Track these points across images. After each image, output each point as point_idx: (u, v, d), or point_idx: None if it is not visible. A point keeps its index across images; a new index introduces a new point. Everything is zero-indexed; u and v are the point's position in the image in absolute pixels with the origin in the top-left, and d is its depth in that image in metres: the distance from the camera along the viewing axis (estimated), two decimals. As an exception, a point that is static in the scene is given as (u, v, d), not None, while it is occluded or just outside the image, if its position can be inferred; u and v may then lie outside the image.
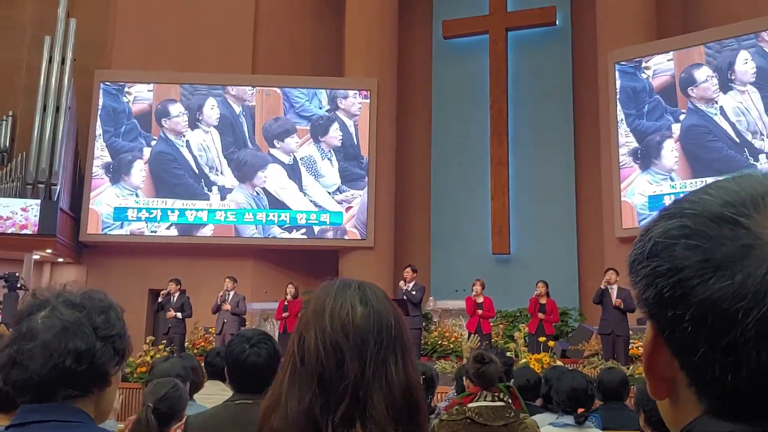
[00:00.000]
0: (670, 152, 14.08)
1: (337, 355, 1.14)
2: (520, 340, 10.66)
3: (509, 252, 15.55)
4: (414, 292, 11.20)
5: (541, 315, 10.95)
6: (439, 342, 12.03)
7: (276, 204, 15.33)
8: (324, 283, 1.25)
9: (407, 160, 16.54)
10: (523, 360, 9.46)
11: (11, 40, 16.13)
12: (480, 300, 11.14)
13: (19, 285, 11.24)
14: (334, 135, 15.70)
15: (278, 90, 15.82)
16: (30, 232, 14.41)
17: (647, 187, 14.19)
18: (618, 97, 14.66)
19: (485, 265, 15.03)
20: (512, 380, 4.16)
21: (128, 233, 15.21)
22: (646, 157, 14.27)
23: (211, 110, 15.71)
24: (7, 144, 15.85)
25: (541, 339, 10.49)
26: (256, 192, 15.40)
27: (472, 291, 11.29)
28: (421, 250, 15.90)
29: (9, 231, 14.39)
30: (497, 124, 15.94)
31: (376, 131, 15.64)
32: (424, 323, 12.32)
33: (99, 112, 15.57)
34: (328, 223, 15.37)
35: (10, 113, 15.97)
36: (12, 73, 16.00)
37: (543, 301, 11.08)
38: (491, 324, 11.45)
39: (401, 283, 11.44)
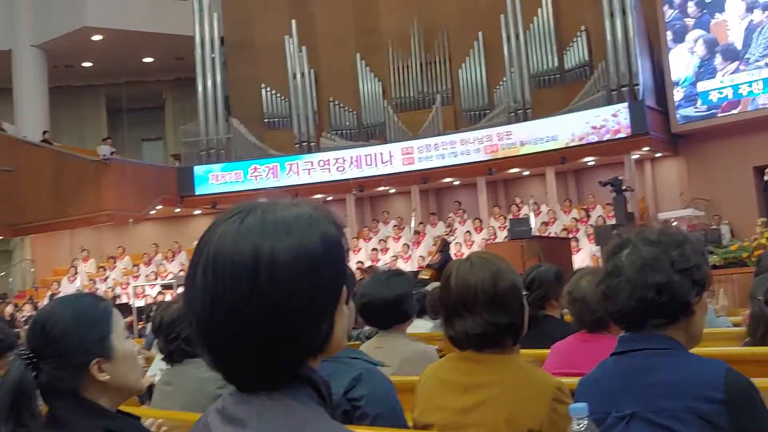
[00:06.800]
0: None
1: None
2: None
3: None
4: None
5: None
6: None
7: None
8: None
9: None
10: None
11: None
12: None
13: (624, 188, 11.94)
14: None
15: None
16: (624, 135, 15.15)
17: None
18: None
19: None
20: None
21: (722, 114, 14.78)
22: None
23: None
24: (586, 57, 16.83)
25: None
26: None
27: None
28: None
29: (605, 138, 15.36)
30: None
31: None
32: None
33: (664, 1, 15.42)
34: None
35: (583, 28, 16.87)
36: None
37: None
38: None
39: None
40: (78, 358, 1.55)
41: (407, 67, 18.49)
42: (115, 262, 17.53)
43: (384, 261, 15.43)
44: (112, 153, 17.85)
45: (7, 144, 17.71)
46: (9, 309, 14.23)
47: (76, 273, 16.89)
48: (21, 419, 1.45)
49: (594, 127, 15.46)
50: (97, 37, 19.72)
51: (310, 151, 18.04)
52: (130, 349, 1.64)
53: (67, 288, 15.86)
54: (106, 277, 16.92)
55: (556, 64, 17.13)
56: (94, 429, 1.52)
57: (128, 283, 16.43)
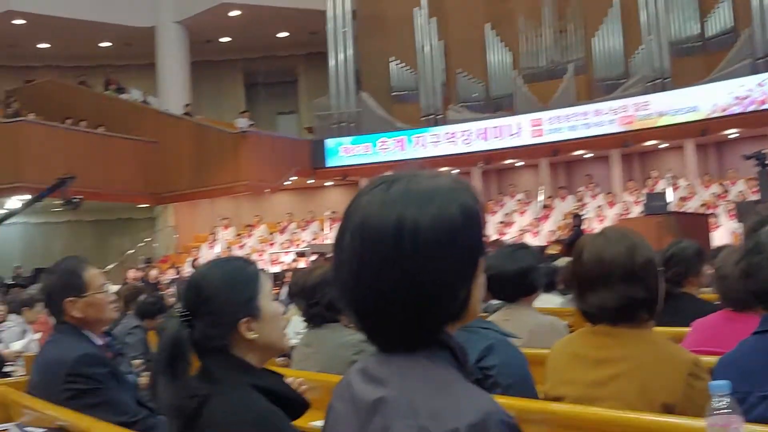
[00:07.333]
0: None
1: None
2: None
3: None
4: None
5: None
6: None
7: None
8: None
9: None
10: None
11: None
12: None
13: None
14: None
15: None
16: (770, 107, 14.29)
17: None
18: None
19: None
20: None
21: None
22: None
23: None
24: (731, 24, 15.89)
25: None
26: None
27: None
28: None
29: (749, 109, 14.53)
30: None
31: None
32: None
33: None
34: None
35: (727, -7, 15.94)
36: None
37: None
38: None
39: None
40: (228, 316, 1.65)
41: (538, 36, 18.08)
42: (252, 230, 18.27)
43: (510, 235, 15.30)
44: (249, 126, 18.51)
45: (152, 117, 18.70)
46: (154, 273, 15.10)
47: (215, 240, 17.74)
48: (176, 372, 1.56)
49: (738, 98, 14.65)
50: (234, 13, 20.37)
51: (436, 123, 18.04)
52: (276, 310, 1.74)
53: (207, 254, 16.68)
54: (243, 245, 17.68)
55: (697, 30, 16.29)
56: (241, 384, 1.62)
57: (264, 251, 17.10)
